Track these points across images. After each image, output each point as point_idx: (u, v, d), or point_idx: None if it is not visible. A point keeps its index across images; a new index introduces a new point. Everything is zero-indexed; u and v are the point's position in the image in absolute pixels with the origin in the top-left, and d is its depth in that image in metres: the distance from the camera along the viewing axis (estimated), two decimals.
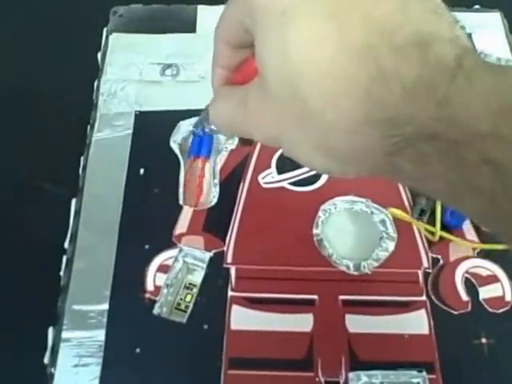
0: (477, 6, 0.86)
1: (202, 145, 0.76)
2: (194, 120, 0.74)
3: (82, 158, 0.75)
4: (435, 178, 0.34)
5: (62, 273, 0.67)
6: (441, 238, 0.69)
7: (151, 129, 0.77)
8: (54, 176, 0.76)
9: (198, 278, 0.67)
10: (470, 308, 0.65)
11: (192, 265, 0.68)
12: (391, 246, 0.68)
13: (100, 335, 0.63)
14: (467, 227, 0.69)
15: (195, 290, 0.66)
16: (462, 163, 0.32)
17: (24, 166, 0.76)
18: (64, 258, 0.68)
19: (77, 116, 0.78)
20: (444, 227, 0.70)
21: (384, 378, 0.64)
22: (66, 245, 0.68)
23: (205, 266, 0.67)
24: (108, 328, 0.64)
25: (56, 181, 0.75)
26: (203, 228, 0.70)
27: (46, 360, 0.62)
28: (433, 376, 0.62)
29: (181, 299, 0.67)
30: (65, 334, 0.64)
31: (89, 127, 0.77)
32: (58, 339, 0.63)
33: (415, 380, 0.62)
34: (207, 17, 0.86)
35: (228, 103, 0.46)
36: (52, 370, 0.61)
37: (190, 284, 0.67)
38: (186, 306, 0.65)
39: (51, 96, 0.81)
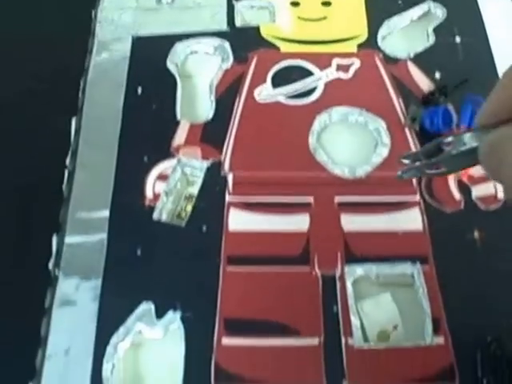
0: None
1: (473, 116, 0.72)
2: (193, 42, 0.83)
3: (81, 82, 0.75)
4: None
5: (64, 186, 0.67)
6: None
7: (148, 51, 0.79)
8: (53, 103, 0.77)
9: (197, 189, 0.68)
10: (462, 206, 0.66)
11: (191, 175, 0.69)
12: (385, 151, 0.70)
13: (102, 239, 0.65)
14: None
15: (195, 200, 0.66)
16: None
17: (23, 95, 0.77)
18: (66, 173, 0.68)
19: (76, 44, 0.78)
20: (425, 134, 0.70)
21: (379, 271, 0.64)
22: (68, 161, 0.69)
23: (202, 174, 0.68)
24: (109, 232, 0.66)
25: (56, 107, 0.76)
26: (200, 140, 0.71)
27: (51, 265, 0.63)
28: (426, 267, 0.63)
29: (181, 209, 0.68)
30: (68, 240, 0.65)
31: (87, 53, 0.77)
32: (61, 244, 0.64)
33: (409, 271, 0.62)
34: None
35: None
36: (56, 271, 0.62)
37: (190, 195, 0.69)
38: (186, 215, 0.66)
39: (49, 25, 0.82)
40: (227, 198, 0.67)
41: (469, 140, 0.40)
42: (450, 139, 0.43)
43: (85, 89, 0.75)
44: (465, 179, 0.67)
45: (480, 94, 0.67)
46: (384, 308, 0.60)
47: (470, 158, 0.39)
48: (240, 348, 0.62)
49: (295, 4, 0.82)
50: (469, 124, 0.69)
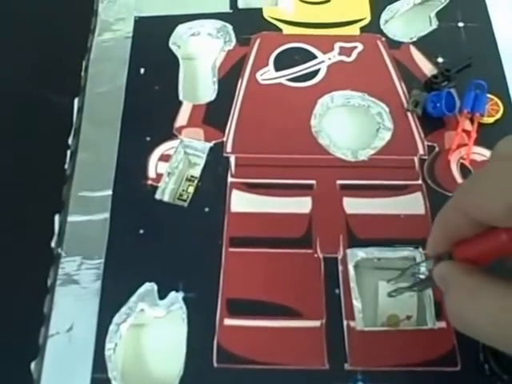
0: None
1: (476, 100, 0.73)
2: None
3: (83, 62, 0.74)
4: None
5: (66, 166, 0.67)
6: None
7: (150, 32, 0.79)
8: (56, 82, 0.77)
9: (199, 171, 0.68)
10: None
11: (193, 156, 0.69)
12: (387, 135, 0.70)
13: (104, 219, 0.65)
14: (462, 119, 0.69)
15: (196, 182, 0.66)
16: None
17: (26, 75, 0.77)
18: (68, 152, 0.68)
19: (78, 23, 0.78)
20: (428, 118, 0.72)
21: (381, 254, 0.64)
22: (70, 141, 0.68)
23: (205, 156, 0.68)
24: (112, 211, 0.66)
25: (58, 87, 0.76)
26: (203, 121, 0.71)
27: (53, 244, 0.62)
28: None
29: (183, 190, 0.68)
30: (70, 218, 0.65)
31: (90, 32, 0.77)
32: (63, 223, 0.64)
33: (411, 255, 0.62)
34: None
35: (482, 300, 0.39)
36: (59, 250, 0.62)
37: (192, 176, 0.69)
38: (188, 197, 0.66)
39: (51, 4, 0.82)
40: (229, 179, 0.67)
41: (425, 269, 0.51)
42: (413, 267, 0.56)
43: (87, 68, 0.75)
44: (467, 163, 0.66)
45: (483, 78, 0.68)
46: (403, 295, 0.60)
47: (431, 281, 0.48)
48: (242, 329, 0.62)
49: None
50: (471, 109, 0.69)
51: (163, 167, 0.69)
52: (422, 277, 0.52)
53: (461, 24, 0.79)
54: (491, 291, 0.41)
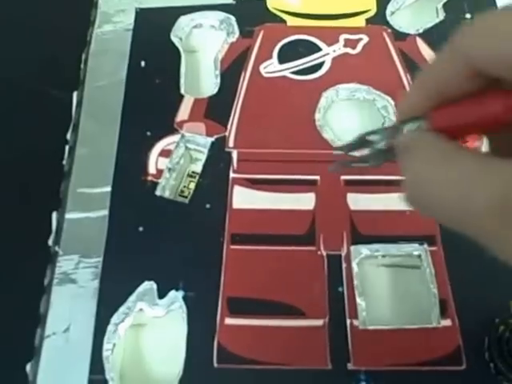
0: None
1: None
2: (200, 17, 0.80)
3: (82, 55, 0.73)
4: None
5: (64, 161, 0.66)
6: None
7: (152, 24, 0.77)
8: (55, 76, 0.75)
9: (200, 166, 0.66)
10: None
11: (194, 151, 0.67)
12: None
13: (103, 216, 0.63)
14: None
15: (198, 178, 0.65)
16: None
17: (24, 68, 0.76)
18: (66, 147, 0.66)
19: (78, 16, 0.76)
20: None
21: (385, 251, 0.63)
22: (69, 136, 0.67)
23: (206, 151, 0.66)
24: (111, 208, 0.64)
25: (58, 80, 0.75)
26: (205, 115, 0.69)
27: (51, 242, 0.61)
28: (434, 248, 0.61)
29: (184, 186, 0.67)
30: (68, 216, 0.63)
31: (90, 25, 0.75)
32: (61, 221, 0.63)
33: (416, 252, 0.61)
34: None
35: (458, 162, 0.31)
36: (56, 248, 0.61)
37: (193, 172, 0.67)
38: (189, 193, 0.65)
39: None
40: (231, 174, 0.65)
41: (388, 136, 0.39)
42: (372, 134, 0.41)
43: (87, 61, 0.73)
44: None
45: None
46: None
47: (391, 153, 0.38)
48: (243, 328, 0.61)
49: None
50: None
51: (164, 163, 0.68)
52: (379, 147, 0.40)
53: (468, 15, 0.77)
54: (469, 156, 0.31)
